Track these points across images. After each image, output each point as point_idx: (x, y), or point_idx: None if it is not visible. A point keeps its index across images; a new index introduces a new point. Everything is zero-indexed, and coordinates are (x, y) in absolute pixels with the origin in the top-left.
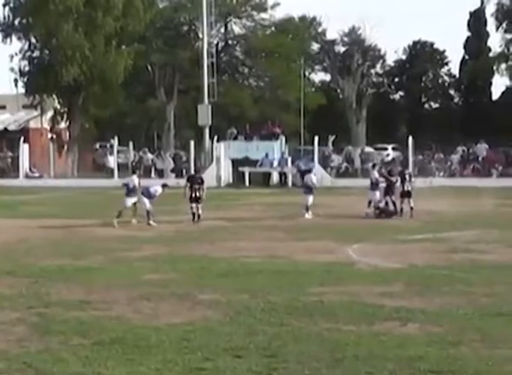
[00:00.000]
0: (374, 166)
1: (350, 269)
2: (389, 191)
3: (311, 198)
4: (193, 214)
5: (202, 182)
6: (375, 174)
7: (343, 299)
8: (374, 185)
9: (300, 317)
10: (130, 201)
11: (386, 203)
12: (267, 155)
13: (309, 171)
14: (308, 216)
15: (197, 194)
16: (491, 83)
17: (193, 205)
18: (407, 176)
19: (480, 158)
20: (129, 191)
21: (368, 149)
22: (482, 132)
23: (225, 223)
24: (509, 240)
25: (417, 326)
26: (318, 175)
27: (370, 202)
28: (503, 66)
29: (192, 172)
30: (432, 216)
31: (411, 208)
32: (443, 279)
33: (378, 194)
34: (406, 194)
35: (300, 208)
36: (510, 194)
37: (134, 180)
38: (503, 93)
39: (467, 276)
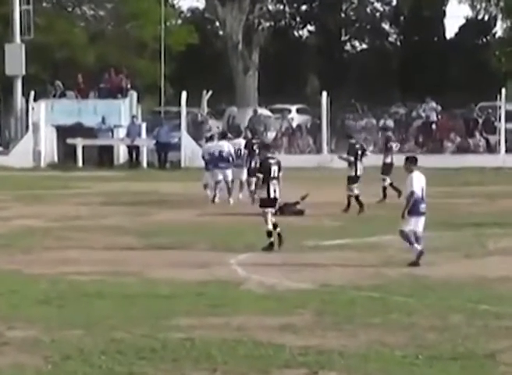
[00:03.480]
0: (211, 137)
1: (234, 291)
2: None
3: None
4: None
5: None
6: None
7: (223, 336)
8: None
9: (158, 363)
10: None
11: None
12: (103, 120)
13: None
14: (235, 200)
15: None
16: (444, 14)
17: None
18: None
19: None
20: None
21: (262, 111)
22: (431, 86)
23: (47, 224)
24: (467, 246)
25: None
26: (188, 150)
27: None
28: None
29: None
30: (356, 211)
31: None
32: (372, 305)
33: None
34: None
35: (219, 190)
36: (470, 179)
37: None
38: (460, 28)
39: (406, 300)
